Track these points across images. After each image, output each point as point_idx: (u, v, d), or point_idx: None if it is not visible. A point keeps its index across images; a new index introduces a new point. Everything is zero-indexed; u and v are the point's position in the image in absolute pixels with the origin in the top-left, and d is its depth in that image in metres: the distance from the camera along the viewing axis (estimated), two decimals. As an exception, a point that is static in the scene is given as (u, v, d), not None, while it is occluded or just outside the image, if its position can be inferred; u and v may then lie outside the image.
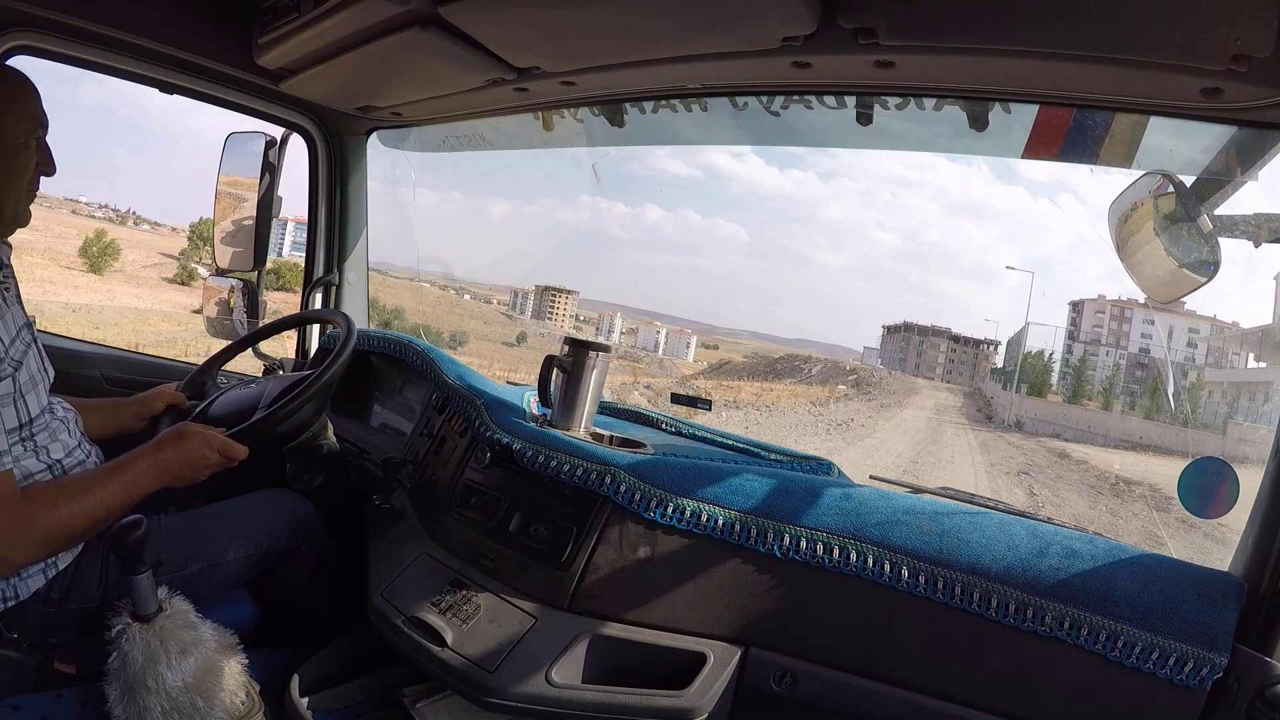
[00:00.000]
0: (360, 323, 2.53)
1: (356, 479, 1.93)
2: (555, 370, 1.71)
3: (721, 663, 1.40)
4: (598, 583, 1.48)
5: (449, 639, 1.47)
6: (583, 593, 1.48)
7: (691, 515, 1.46)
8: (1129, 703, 1.26)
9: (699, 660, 1.40)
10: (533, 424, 1.70)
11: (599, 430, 1.76)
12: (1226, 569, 1.38)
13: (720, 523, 1.45)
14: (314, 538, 1.85)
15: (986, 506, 1.66)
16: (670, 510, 1.47)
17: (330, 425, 1.89)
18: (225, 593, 1.74)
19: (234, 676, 1.54)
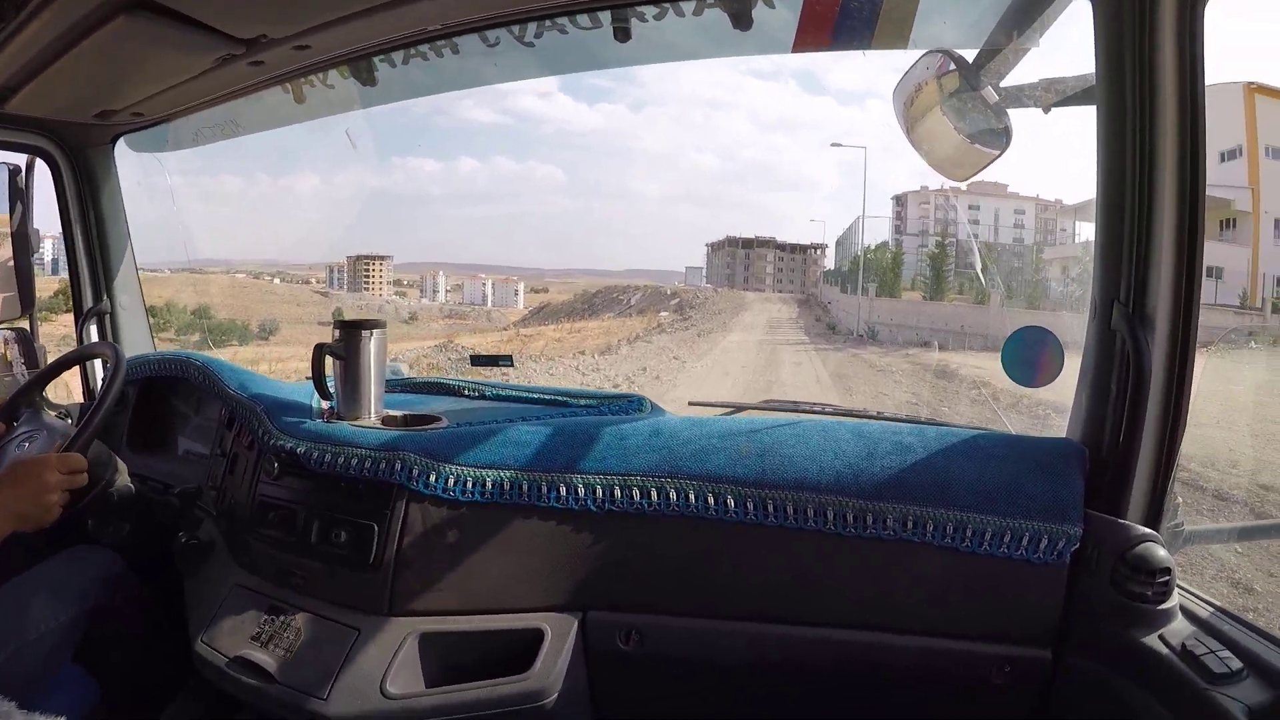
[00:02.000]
0: (143, 346, 2.33)
1: (164, 518, 1.75)
2: (328, 358, 1.56)
3: (560, 634, 1.33)
4: (413, 578, 1.37)
5: (275, 673, 1.35)
6: (400, 591, 1.37)
7: (492, 485, 1.36)
8: (992, 591, 1.24)
9: (537, 637, 1.33)
10: (318, 421, 1.56)
11: (392, 412, 1.63)
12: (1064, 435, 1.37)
13: (523, 486, 1.36)
14: (128, 591, 1.67)
15: (812, 412, 1.62)
16: (469, 484, 1.37)
17: (123, 467, 1.70)
18: (50, 672, 1.55)
19: None
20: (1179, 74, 1.16)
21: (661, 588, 1.34)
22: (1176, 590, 1.18)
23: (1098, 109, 1.26)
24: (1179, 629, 1.16)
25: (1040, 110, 1.41)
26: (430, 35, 1.60)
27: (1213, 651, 1.08)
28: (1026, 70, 1.42)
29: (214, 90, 1.85)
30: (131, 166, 2.26)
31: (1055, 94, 1.39)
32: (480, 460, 1.38)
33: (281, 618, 1.43)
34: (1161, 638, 1.14)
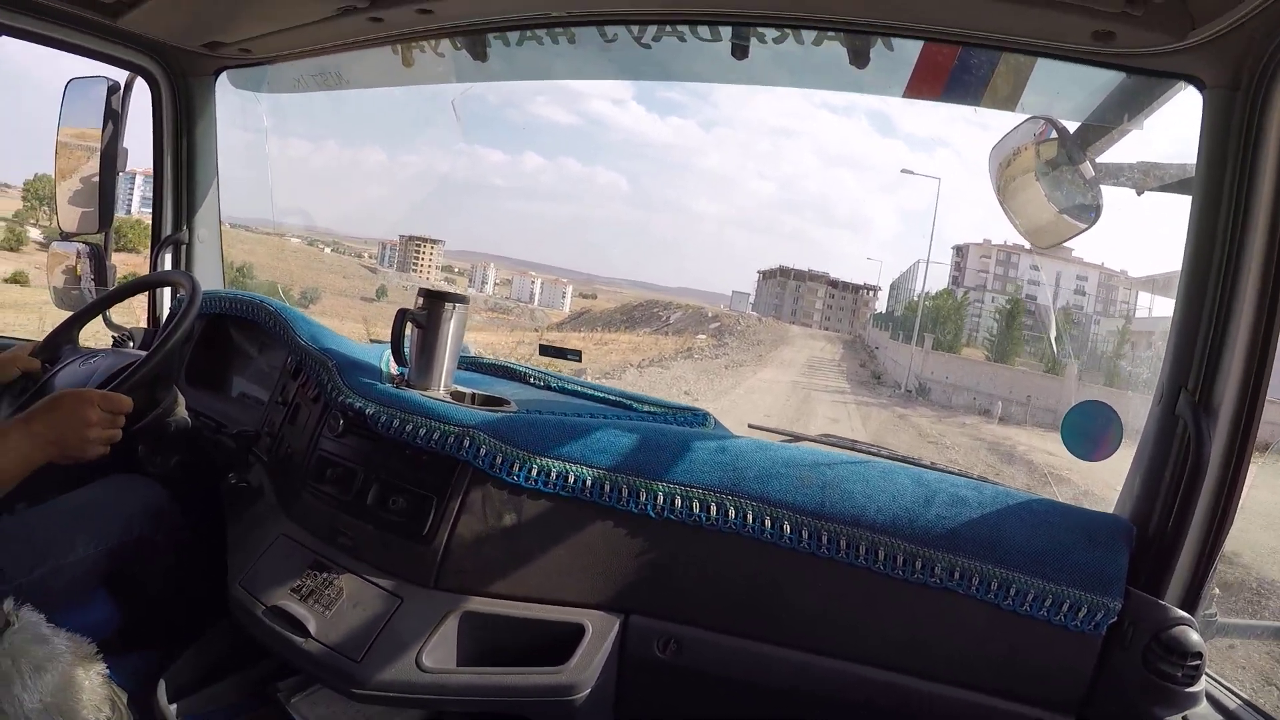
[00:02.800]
0: (214, 283, 2.35)
1: (215, 456, 1.77)
2: (409, 324, 1.57)
3: (601, 633, 1.34)
4: (464, 555, 1.38)
5: (312, 628, 1.36)
6: (449, 567, 1.37)
7: (558, 476, 1.37)
8: (1025, 652, 1.25)
9: (577, 632, 1.34)
10: (388, 385, 1.58)
11: (460, 388, 1.64)
12: (1112, 511, 1.38)
13: (588, 483, 1.37)
14: (170, 525, 1.68)
15: (869, 453, 1.64)
16: (534, 472, 1.37)
17: (182, 399, 1.72)
18: (80, 595, 1.57)
19: (96, 689, 1.38)
20: (1278, 179, 1.17)
21: (706, 602, 1.35)
22: (1204, 677, 1.20)
23: (1193, 199, 1.28)
24: (1203, 714, 1.18)
25: (1134, 192, 1.44)
26: (553, 21, 1.63)
27: None
28: (1125, 150, 1.45)
29: (327, 39, 1.87)
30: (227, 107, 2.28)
31: (1153, 179, 1.41)
32: (555, 452, 1.39)
33: (325, 575, 1.43)
34: None
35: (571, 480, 1.37)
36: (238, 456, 1.74)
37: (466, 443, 1.39)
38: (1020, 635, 1.24)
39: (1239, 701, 1.22)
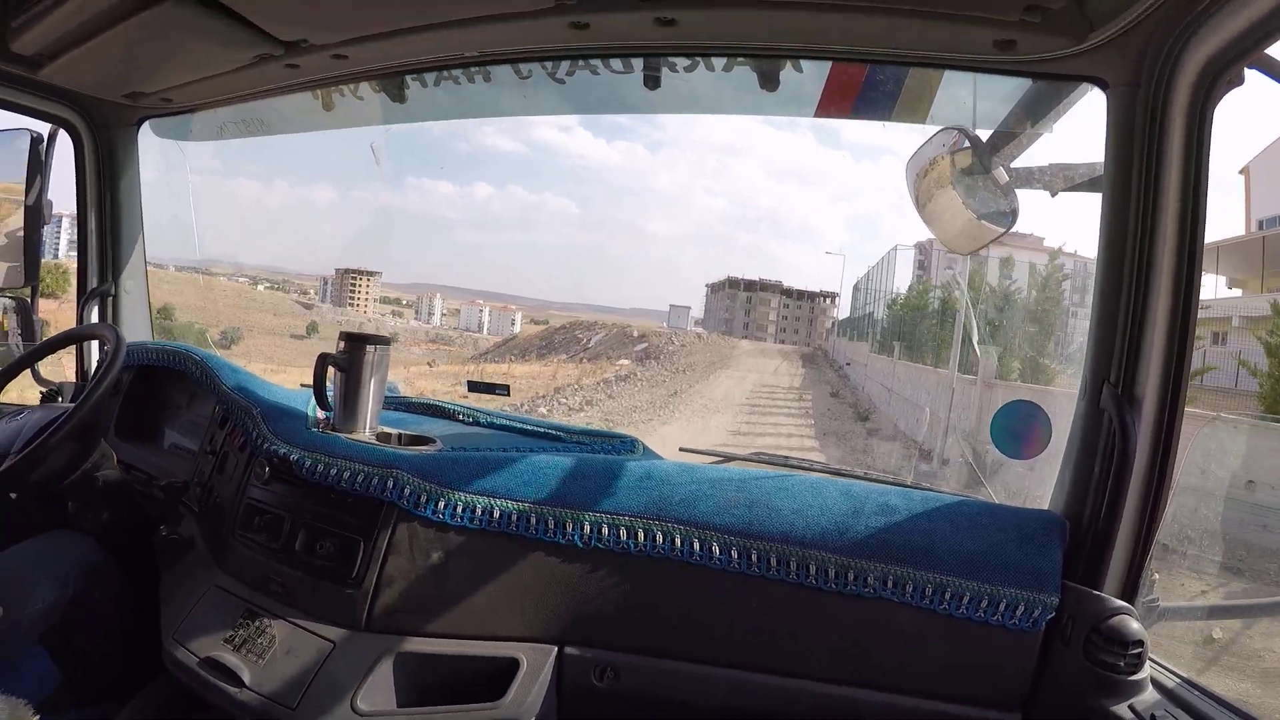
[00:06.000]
0: (142, 334, 2.32)
1: (147, 510, 1.74)
2: (331, 369, 1.57)
3: (536, 666, 1.33)
4: (394, 597, 1.37)
5: (246, 678, 1.35)
6: (379, 609, 1.37)
7: (483, 512, 1.37)
8: (966, 653, 1.26)
9: (512, 666, 1.33)
10: (314, 430, 1.57)
11: (387, 429, 1.63)
12: (1046, 507, 1.40)
13: (513, 517, 1.37)
14: (105, 581, 1.66)
15: (798, 468, 1.64)
16: (460, 509, 1.37)
17: (111, 453, 1.69)
18: (20, 654, 1.55)
19: None
20: (1184, 170, 1.21)
21: (642, 628, 1.34)
22: (1148, 663, 1.21)
23: (1103, 196, 1.31)
24: (1148, 700, 1.19)
25: (1048, 194, 1.47)
26: (466, 61, 1.64)
27: None
28: (1038, 153, 1.48)
29: (246, 87, 1.88)
30: (153, 154, 2.25)
31: (1064, 179, 1.44)
32: (476, 488, 1.39)
33: (257, 623, 1.42)
34: (1131, 708, 1.17)
35: (497, 515, 1.37)
36: (168, 508, 1.71)
37: (390, 483, 1.39)
38: (960, 638, 1.25)
39: (1178, 680, 1.23)
